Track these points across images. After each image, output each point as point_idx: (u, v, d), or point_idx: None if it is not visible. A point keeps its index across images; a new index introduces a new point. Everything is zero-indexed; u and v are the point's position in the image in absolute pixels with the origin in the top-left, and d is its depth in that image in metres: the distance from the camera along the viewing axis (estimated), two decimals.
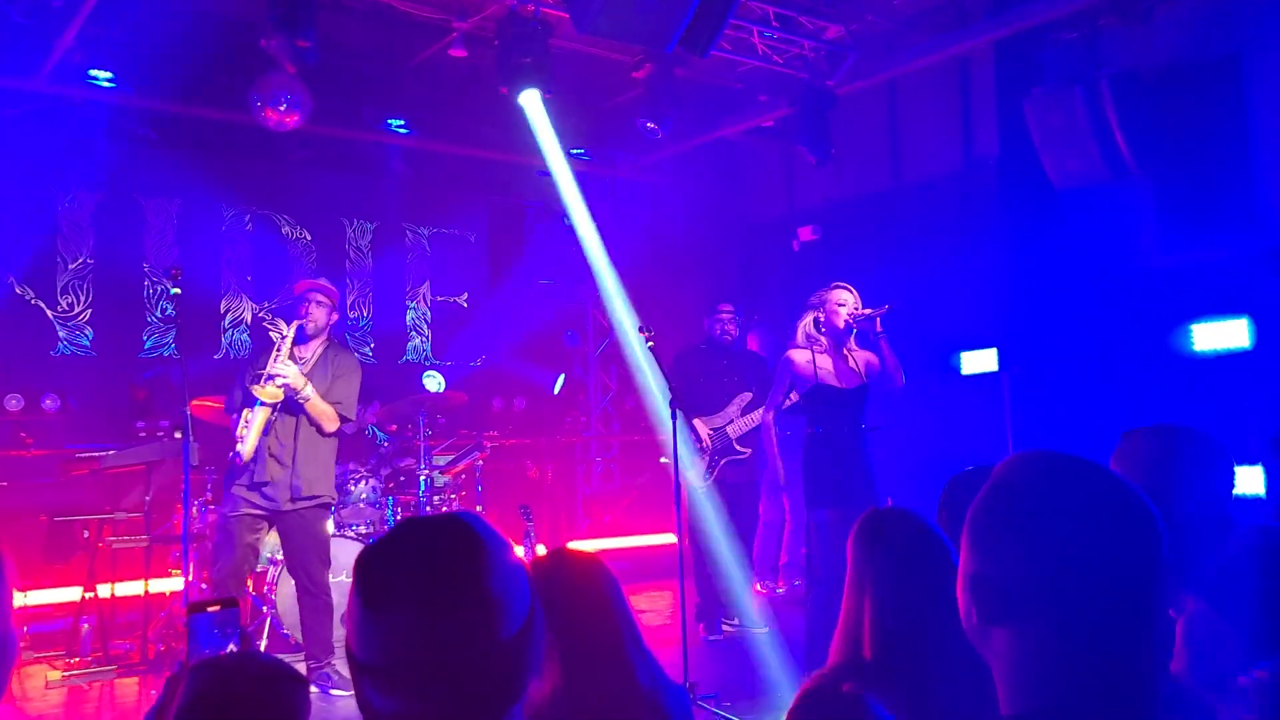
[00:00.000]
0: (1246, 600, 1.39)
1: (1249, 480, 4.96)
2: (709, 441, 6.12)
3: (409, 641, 1.04)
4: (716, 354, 6.36)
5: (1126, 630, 1.07)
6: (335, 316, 5.39)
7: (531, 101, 6.50)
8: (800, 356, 5.16)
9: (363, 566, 1.09)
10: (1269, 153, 5.70)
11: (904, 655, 1.62)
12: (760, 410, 5.96)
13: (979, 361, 6.99)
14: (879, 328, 5.03)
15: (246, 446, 5.02)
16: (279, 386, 5.02)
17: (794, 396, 5.65)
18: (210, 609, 1.61)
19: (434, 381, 6.92)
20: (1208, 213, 5.84)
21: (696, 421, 6.13)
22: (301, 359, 5.21)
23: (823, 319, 5.19)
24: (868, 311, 5.08)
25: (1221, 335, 5.62)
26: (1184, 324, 5.80)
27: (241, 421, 5.07)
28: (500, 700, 1.07)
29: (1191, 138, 5.85)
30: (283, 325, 5.39)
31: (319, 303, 5.26)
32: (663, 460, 6.16)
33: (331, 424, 5.22)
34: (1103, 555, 1.06)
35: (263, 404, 5.02)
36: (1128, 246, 6.27)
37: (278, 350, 5.13)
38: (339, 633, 5.47)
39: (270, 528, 5.27)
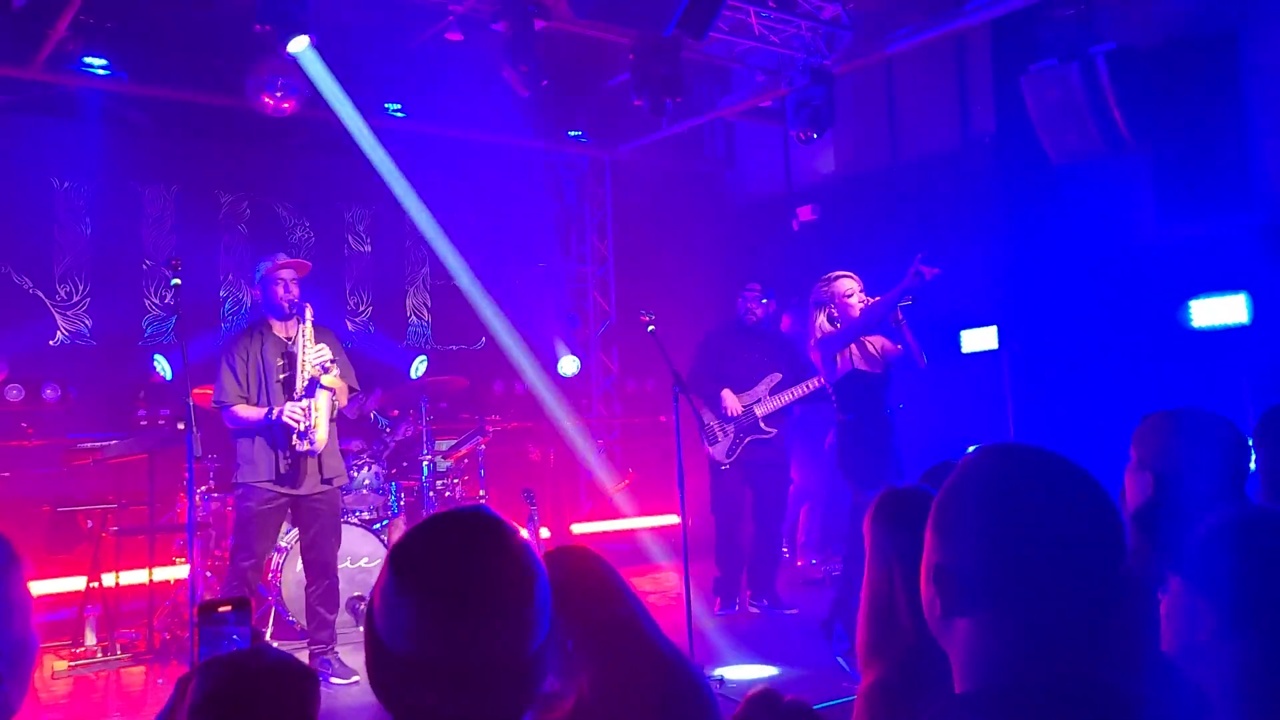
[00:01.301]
0: (1220, 577, 1.41)
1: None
2: (739, 413, 6.13)
3: (449, 637, 1.07)
4: (745, 334, 6.36)
5: (1086, 620, 1.09)
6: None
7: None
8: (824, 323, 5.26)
9: (403, 562, 1.11)
10: (1265, 129, 5.70)
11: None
12: (791, 391, 6.08)
13: (979, 339, 6.99)
14: (900, 316, 5.07)
15: (320, 435, 4.92)
16: (322, 368, 4.95)
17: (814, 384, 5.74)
18: (221, 609, 1.61)
19: (419, 365, 6.92)
20: (1205, 189, 5.84)
21: (726, 392, 6.14)
22: (290, 338, 5.07)
23: (835, 314, 5.21)
24: (907, 302, 5.08)
25: (1219, 311, 5.63)
26: (1182, 300, 5.80)
27: (297, 413, 4.87)
28: (521, 703, 1.11)
29: (1188, 114, 5.84)
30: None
31: (293, 280, 5.07)
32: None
33: (347, 397, 5.20)
34: (1061, 546, 1.08)
35: (325, 387, 4.95)
36: (1126, 222, 6.27)
37: (304, 337, 5.00)
38: (343, 618, 5.50)
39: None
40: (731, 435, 6.16)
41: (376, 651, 1.11)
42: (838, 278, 5.24)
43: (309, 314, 5.08)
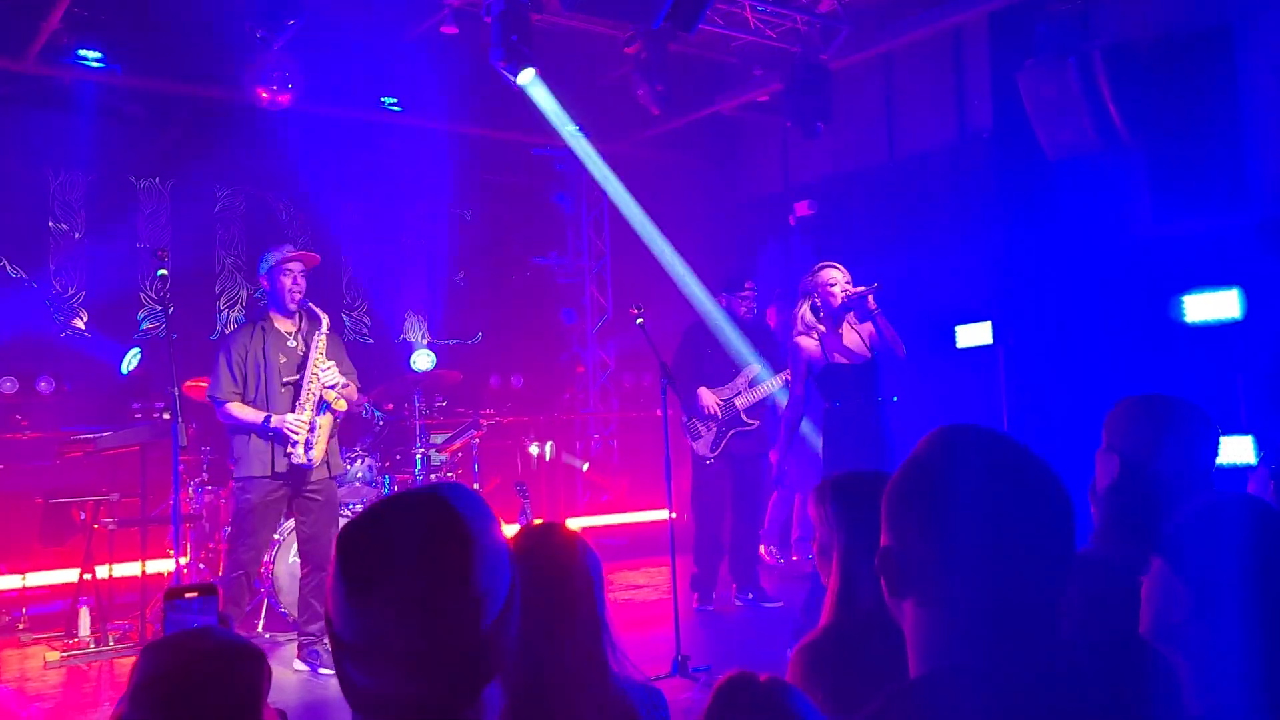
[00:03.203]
0: (1199, 560, 1.41)
1: (1239, 450, 4.97)
2: (717, 410, 6.12)
3: (390, 627, 1.04)
4: (730, 329, 6.35)
5: (1031, 602, 1.08)
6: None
7: (530, 80, 6.39)
8: (807, 342, 5.22)
9: (345, 548, 1.09)
10: (1259, 125, 5.68)
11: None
12: (770, 381, 6.08)
13: (974, 335, 6.98)
14: (873, 304, 5.04)
15: (317, 451, 4.89)
16: (331, 387, 4.92)
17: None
18: (188, 594, 1.60)
19: (425, 359, 6.92)
20: (1199, 184, 5.82)
21: (703, 390, 6.13)
22: (289, 334, 5.02)
23: (818, 302, 5.21)
24: (860, 289, 5.09)
25: (1212, 306, 5.62)
26: (1176, 295, 5.79)
27: (302, 426, 4.85)
28: (477, 681, 1.09)
29: (1183, 109, 5.82)
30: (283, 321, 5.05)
31: (302, 273, 5.01)
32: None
33: (356, 398, 5.18)
34: (1004, 528, 1.07)
35: (334, 411, 4.93)
36: (1121, 218, 6.26)
37: (317, 349, 4.95)
38: None
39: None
40: (714, 430, 6.15)
41: (334, 644, 1.11)
42: (823, 268, 5.24)
43: (325, 324, 5.02)
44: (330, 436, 5.03)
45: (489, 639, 1.08)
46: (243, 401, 4.91)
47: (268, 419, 4.85)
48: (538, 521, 1.97)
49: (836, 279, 5.18)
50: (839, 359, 5.13)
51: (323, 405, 4.93)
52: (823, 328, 5.19)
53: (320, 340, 4.99)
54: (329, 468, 5.07)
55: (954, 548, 1.08)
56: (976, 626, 1.07)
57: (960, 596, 1.08)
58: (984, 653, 1.07)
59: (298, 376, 4.95)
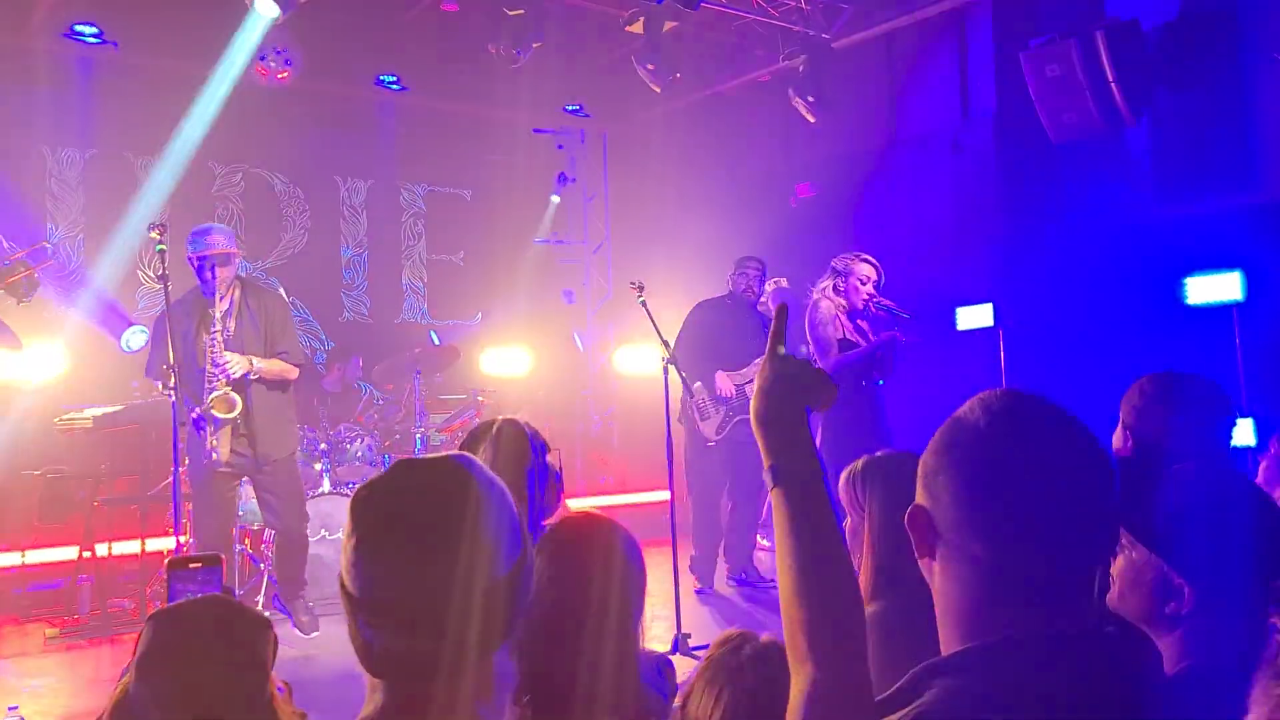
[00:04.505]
0: (1170, 535, 1.41)
1: (1239, 432, 4.97)
2: (733, 394, 6.13)
3: (401, 582, 1.05)
4: (741, 310, 6.33)
5: (1071, 568, 1.07)
6: (240, 254, 5.16)
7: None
8: (828, 314, 5.27)
9: (358, 506, 1.10)
10: (1263, 108, 5.66)
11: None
12: None
13: (975, 317, 6.96)
14: (901, 336, 5.18)
15: (223, 454, 4.92)
16: (227, 387, 4.86)
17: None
18: (192, 565, 1.60)
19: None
20: (1203, 167, 5.80)
21: (720, 374, 6.12)
22: (219, 315, 4.94)
23: (842, 286, 5.23)
24: (889, 304, 5.12)
25: (1214, 288, 5.61)
26: (1178, 277, 5.78)
27: (209, 435, 4.88)
28: (490, 638, 1.09)
29: (1187, 92, 5.79)
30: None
31: (221, 262, 4.93)
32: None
33: (291, 375, 5.16)
34: (1050, 498, 1.06)
35: (222, 420, 4.89)
36: (1123, 200, 6.24)
37: (211, 349, 4.87)
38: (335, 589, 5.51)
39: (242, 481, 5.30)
40: (722, 413, 6.16)
41: (348, 601, 1.11)
42: (864, 260, 5.28)
43: (224, 298, 4.95)
44: (272, 410, 5.07)
45: (499, 598, 1.09)
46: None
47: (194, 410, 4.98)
48: (576, 507, 1.96)
49: (870, 277, 5.23)
50: (848, 341, 5.20)
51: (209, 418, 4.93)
52: (844, 304, 5.27)
53: (219, 336, 4.92)
54: (262, 456, 5.06)
55: (990, 510, 1.07)
56: (1010, 591, 1.06)
57: (995, 559, 1.07)
58: (1016, 619, 1.05)
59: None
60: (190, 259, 4.98)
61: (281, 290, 6.37)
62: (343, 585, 1.11)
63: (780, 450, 1.15)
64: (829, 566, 1.09)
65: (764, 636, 1.30)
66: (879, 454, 2.02)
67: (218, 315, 4.91)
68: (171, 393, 4.49)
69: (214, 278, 4.91)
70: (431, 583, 1.04)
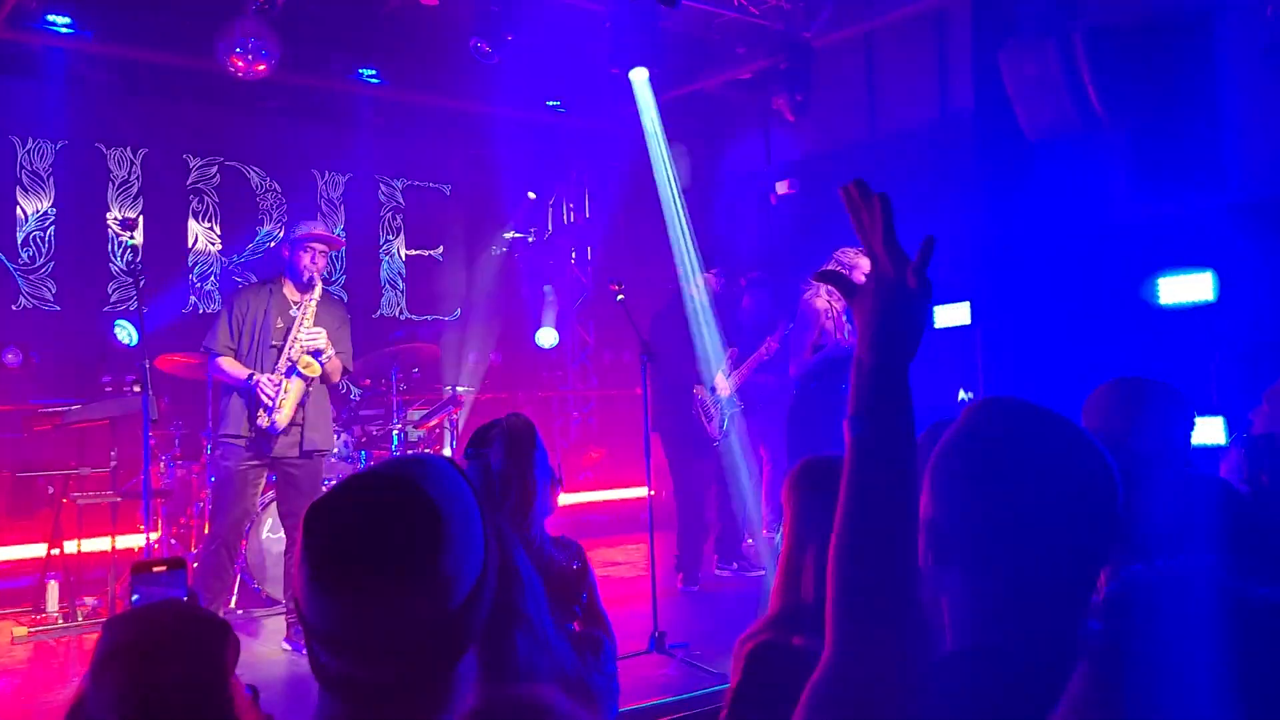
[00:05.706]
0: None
1: (1210, 431, 5.01)
2: (732, 390, 6.15)
3: (356, 615, 1.03)
4: (700, 312, 6.35)
5: (1070, 579, 1.09)
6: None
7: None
8: (822, 305, 5.28)
9: (310, 532, 1.07)
10: (1236, 109, 5.71)
11: None
12: (747, 364, 6.18)
13: (952, 315, 6.99)
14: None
15: (283, 415, 4.85)
16: (311, 354, 4.91)
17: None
18: (156, 569, 1.56)
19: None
20: (1176, 167, 5.84)
21: (719, 376, 6.16)
22: (294, 301, 5.05)
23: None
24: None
25: (1186, 288, 5.66)
26: (1151, 276, 5.83)
27: (269, 387, 4.83)
28: (447, 662, 1.08)
29: (1163, 92, 5.83)
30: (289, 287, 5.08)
31: (322, 253, 5.08)
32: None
33: (338, 376, 5.18)
34: (1055, 505, 1.08)
35: (303, 376, 4.90)
36: (1098, 198, 6.28)
37: (305, 314, 4.98)
38: None
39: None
40: (720, 411, 6.20)
41: (304, 627, 1.09)
42: (866, 256, 5.29)
43: (318, 289, 5.05)
44: (300, 405, 4.96)
45: (458, 622, 1.07)
46: (235, 358, 4.94)
47: (250, 375, 4.87)
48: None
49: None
50: (834, 337, 5.22)
51: (293, 369, 4.89)
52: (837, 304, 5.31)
53: (310, 305, 5.00)
54: (308, 441, 5.00)
55: (1009, 520, 1.08)
56: (1017, 598, 1.08)
57: (1003, 567, 1.08)
58: (1028, 624, 1.07)
59: (283, 342, 4.97)
60: (297, 240, 5.01)
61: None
62: (298, 608, 1.09)
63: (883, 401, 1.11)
64: (889, 536, 1.05)
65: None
66: (816, 458, 1.98)
67: (306, 298, 5.00)
68: (149, 391, 4.47)
69: (314, 264, 5.00)
70: (386, 620, 1.02)
